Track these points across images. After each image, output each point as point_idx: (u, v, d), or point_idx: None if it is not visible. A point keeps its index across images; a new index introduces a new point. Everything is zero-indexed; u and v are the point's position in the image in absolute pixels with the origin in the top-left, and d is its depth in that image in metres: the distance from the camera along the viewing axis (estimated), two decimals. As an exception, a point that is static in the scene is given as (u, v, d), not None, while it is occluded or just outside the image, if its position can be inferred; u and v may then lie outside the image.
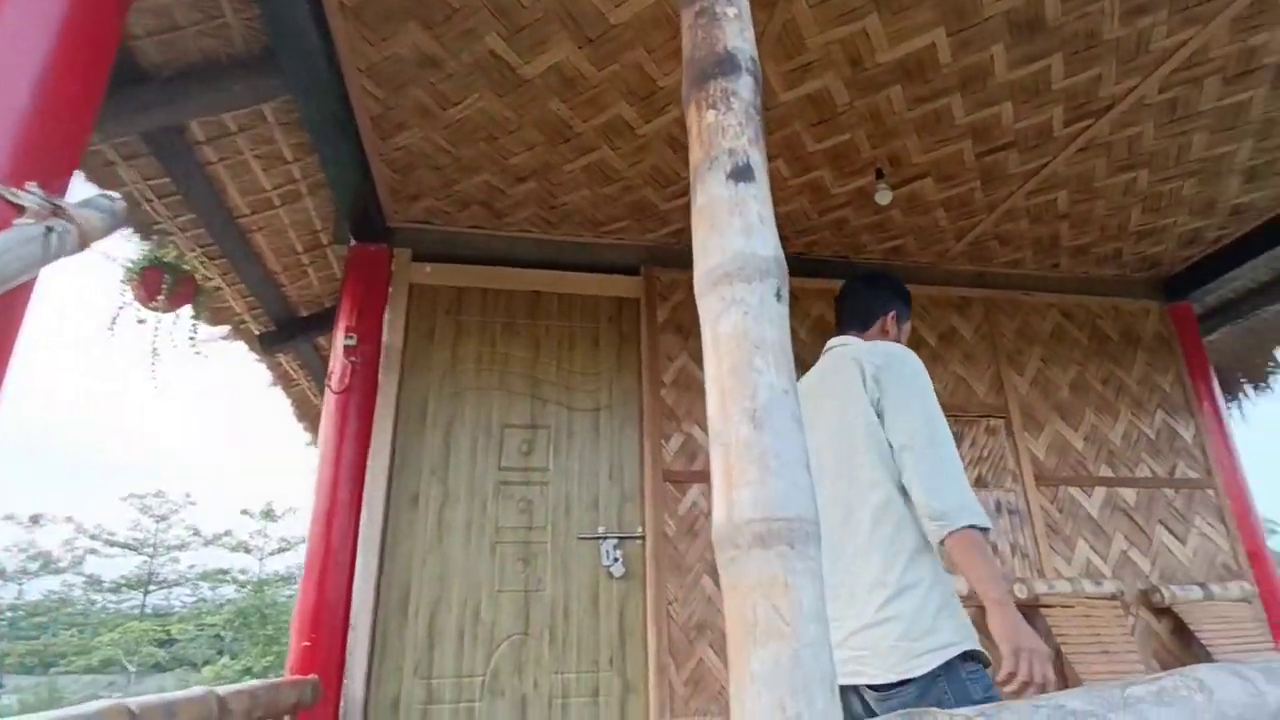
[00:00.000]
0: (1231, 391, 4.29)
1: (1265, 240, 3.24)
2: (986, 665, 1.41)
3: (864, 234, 3.26)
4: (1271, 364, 4.08)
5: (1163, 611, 3.07)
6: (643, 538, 2.91)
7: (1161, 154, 2.75)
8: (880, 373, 1.56)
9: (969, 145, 2.68)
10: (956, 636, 1.38)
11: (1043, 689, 1.28)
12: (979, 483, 3.19)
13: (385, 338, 2.94)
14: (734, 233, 0.92)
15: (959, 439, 3.27)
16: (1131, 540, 3.24)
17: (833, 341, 1.76)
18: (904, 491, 1.48)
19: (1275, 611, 3.17)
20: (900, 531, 1.46)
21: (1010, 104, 2.48)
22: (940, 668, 1.36)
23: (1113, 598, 2.93)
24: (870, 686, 1.43)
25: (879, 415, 1.54)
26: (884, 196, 2.73)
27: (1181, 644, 3.06)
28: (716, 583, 2.83)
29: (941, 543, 1.39)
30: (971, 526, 1.37)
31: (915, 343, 3.41)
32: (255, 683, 1.85)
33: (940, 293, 3.53)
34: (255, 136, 2.61)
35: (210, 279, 3.22)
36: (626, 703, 2.70)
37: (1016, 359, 3.48)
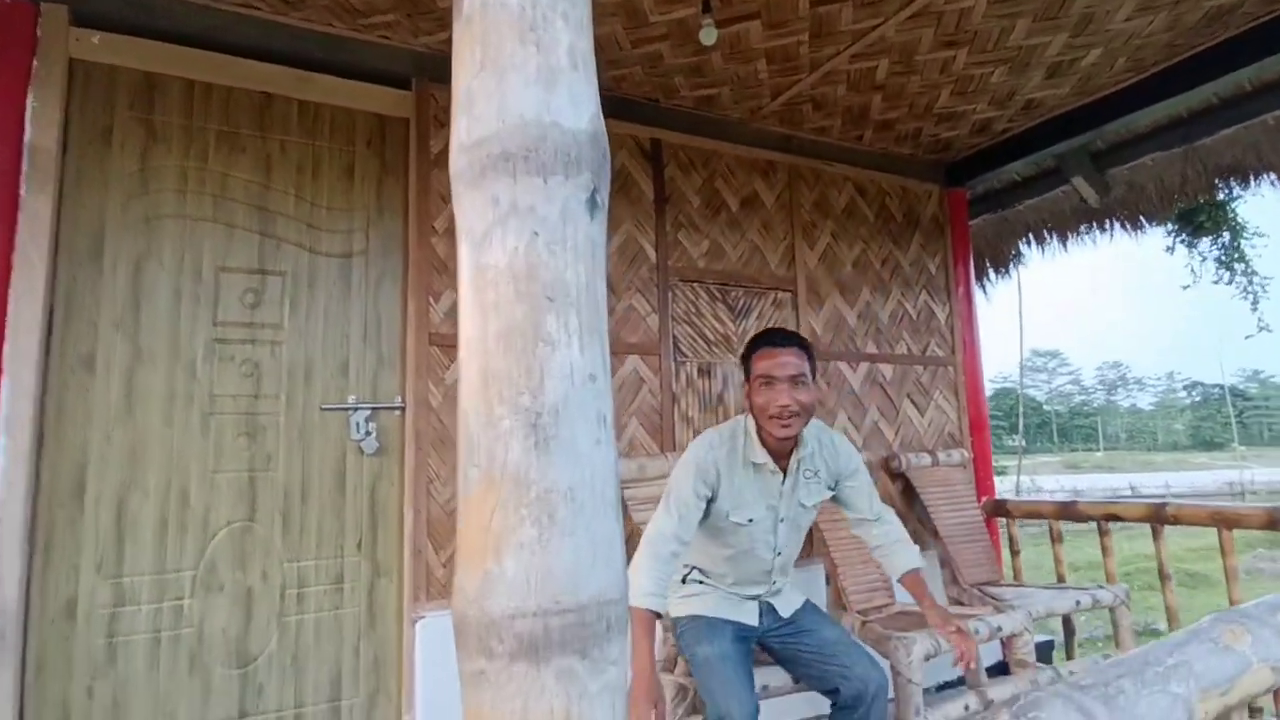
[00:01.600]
0: (979, 275, 4.70)
1: (1043, 138, 3.36)
2: None
3: (679, 76, 2.86)
4: (1014, 253, 4.49)
5: (897, 475, 3.38)
6: (402, 409, 2.53)
7: (984, 35, 2.62)
8: None
9: (805, -13, 2.34)
10: None
11: None
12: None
13: (29, 135, 2.09)
14: (525, 79, 0.53)
15: (748, 311, 3.20)
16: (883, 412, 3.48)
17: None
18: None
19: (982, 471, 3.64)
20: None
21: (856, -56, 2.14)
22: None
23: (862, 469, 3.14)
24: None
25: None
26: (709, 35, 2.33)
27: (907, 502, 3.42)
28: (485, 457, 2.57)
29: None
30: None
31: (718, 206, 3.19)
32: None
33: (748, 153, 3.29)
34: None
35: None
36: (375, 588, 2.44)
37: (810, 232, 3.42)
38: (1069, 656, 3.19)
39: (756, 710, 1.71)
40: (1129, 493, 25.87)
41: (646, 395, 2.91)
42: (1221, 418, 59.31)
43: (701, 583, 2.07)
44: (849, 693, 1.85)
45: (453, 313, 2.60)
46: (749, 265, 3.23)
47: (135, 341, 2.20)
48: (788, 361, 1.82)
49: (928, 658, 2.30)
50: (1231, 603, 2.73)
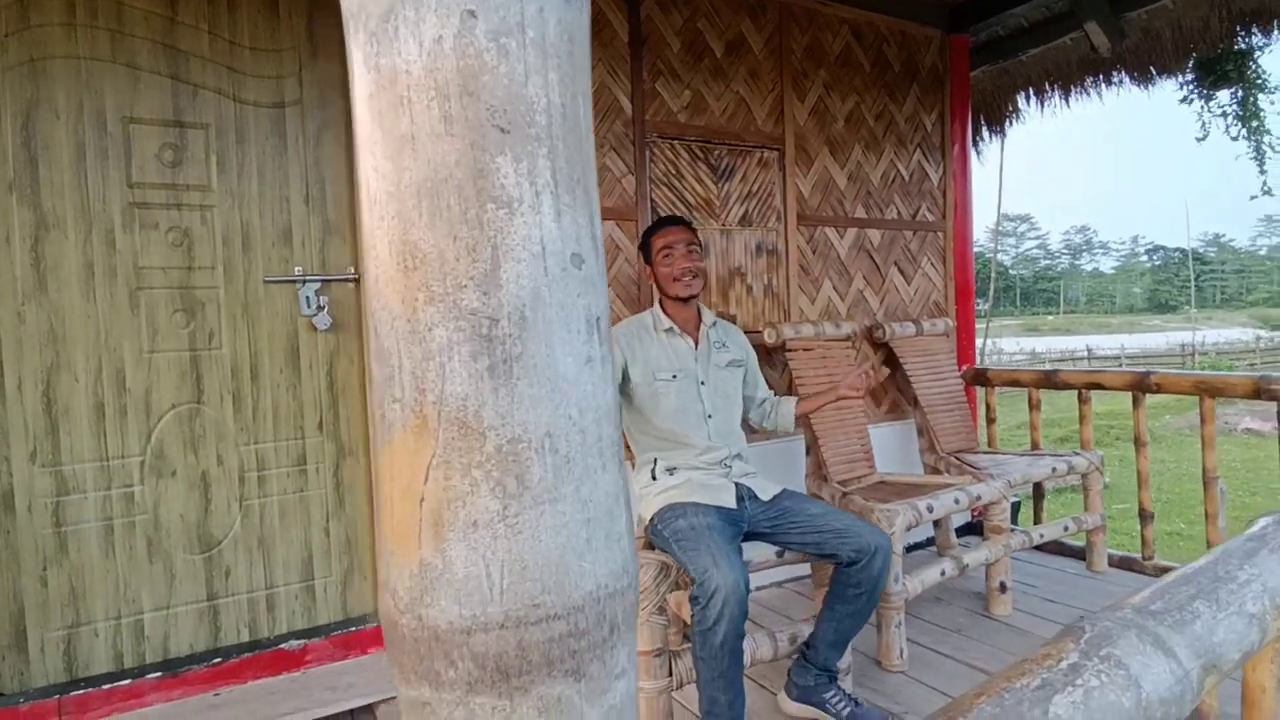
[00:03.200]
0: (973, 134, 4.42)
1: (1061, -28, 3.01)
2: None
3: (657, -113, 2.44)
4: (1012, 108, 4.20)
5: (880, 345, 3.29)
6: (356, 280, 2.31)
7: None
8: None
9: None
10: None
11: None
12: (745, 220, 2.96)
13: None
14: None
15: (731, 173, 2.95)
16: (868, 280, 3.34)
17: None
18: None
19: (964, 340, 3.57)
20: None
21: None
22: None
23: (846, 339, 3.04)
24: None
25: None
26: None
27: (889, 372, 3.35)
28: (451, 332, 2.40)
29: None
30: None
31: (700, 51, 2.86)
32: None
33: (735, -13, 2.91)
34: None
35: None
36: (341, 468, 2.33)
37: (801, 83, 3.11)
38: (1036, 520, 3.27)
39: (747, 577, 1.67)
40: (1084, 354, 26.75)
41: (623, 265, 2.72)
42: (1179, 281, 60.78)
43: (671, 472, 2.03)
44: (849, 552, 1.83)
45: (406, 172, 2.33)
46: (734, 120, 2.94)
47: (37, 206, 1.92)
48: (680, 236, 2.12)
49: (909, 528, 2.29)
50: (1205, 470, 2.76)
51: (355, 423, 2.34)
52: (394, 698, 2.07)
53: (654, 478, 2.05)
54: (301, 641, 2.20)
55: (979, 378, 3.50)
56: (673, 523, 1.85)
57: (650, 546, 2.04)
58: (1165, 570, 2.89)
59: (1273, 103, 2.93)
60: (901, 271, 3.44)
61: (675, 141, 2.81)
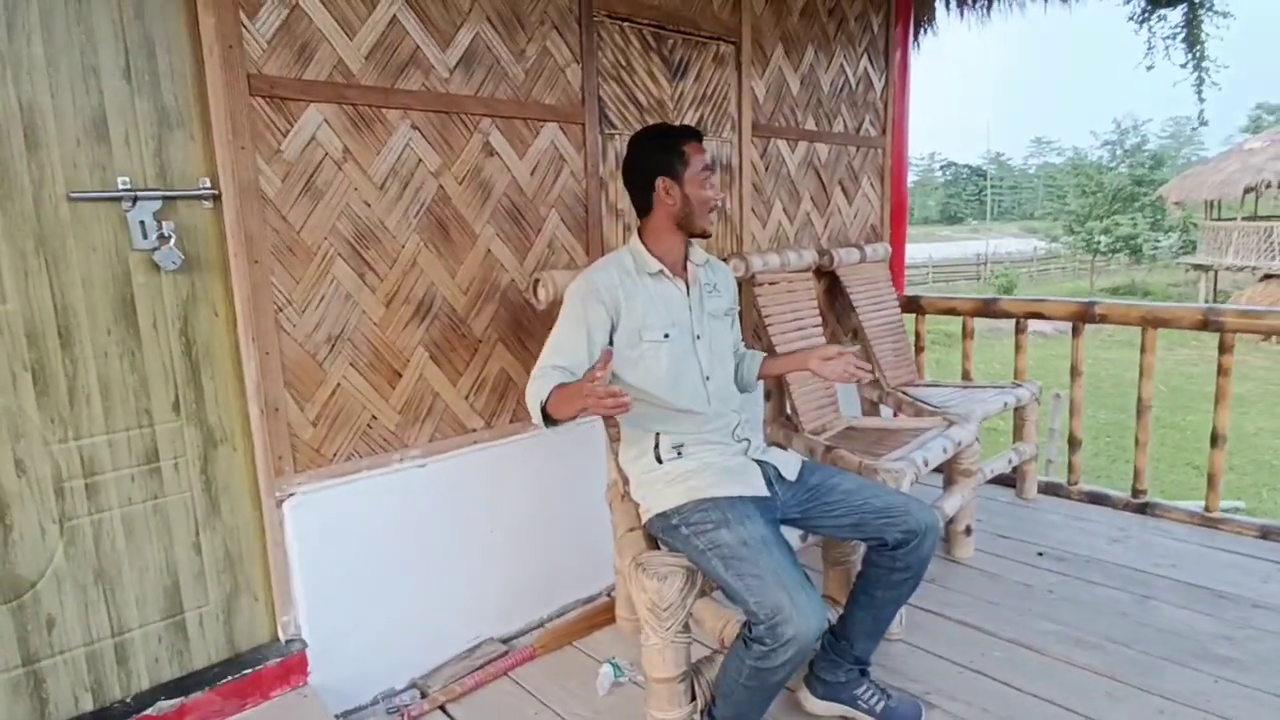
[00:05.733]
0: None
1: None
2: None
3: None
4: (928, 17, 3.97)
5: (824, 273, 3.03)
6: (216, 197, 1.61)
7: None
8: None
9: None
10: None
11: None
12: (700, 125, 2.50)
13: None
14: None
15: (686, 69, 2.44)
16: (815, 202, 3.03)
17: None
18: None
19: (897, 266, 3.40)
20: None
21: None
22: None
23: (808, 269, 2.73)
24: None
25: None
26: None
27: (829, 300, 3.12)
28: (356, 269, 1.78)
29: None
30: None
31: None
32: None
33: None
34: None
35: None
36: (211, 463, 1.69)
37: (759, -40, 2.62)
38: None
39: (825, 616, 1.35)
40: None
41: (569, 179, 2.18)
42: (966, 195, 67.58)
43: (680, 452, 1.64)
44: (897, 534, 1.56)
45: (284, 39, 1.62)
46: (690, 3, 2.41)
47: None
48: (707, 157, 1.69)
49: (912, 484, 2.08)
50: (1141, 399, 2.81)
51: (228, 400, 1.69)
52: (324, 760, 1.57)
53: (659, 460, 1.64)
54: (175, 700, 1.61)
55: (912, 305, 3.37)
56: (709, 531, 1.47)
57: (654, 544, 1.65)
58: (1092, 496, 2.98)
59: (1218, 27, 2.89)
60: (845, 191, 3.16)
61: (626, 24, 2.26)
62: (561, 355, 1.55)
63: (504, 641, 2.12)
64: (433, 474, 1.96)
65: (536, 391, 1.51)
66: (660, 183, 1.65)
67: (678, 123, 2.38)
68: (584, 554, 2.29)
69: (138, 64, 1.51)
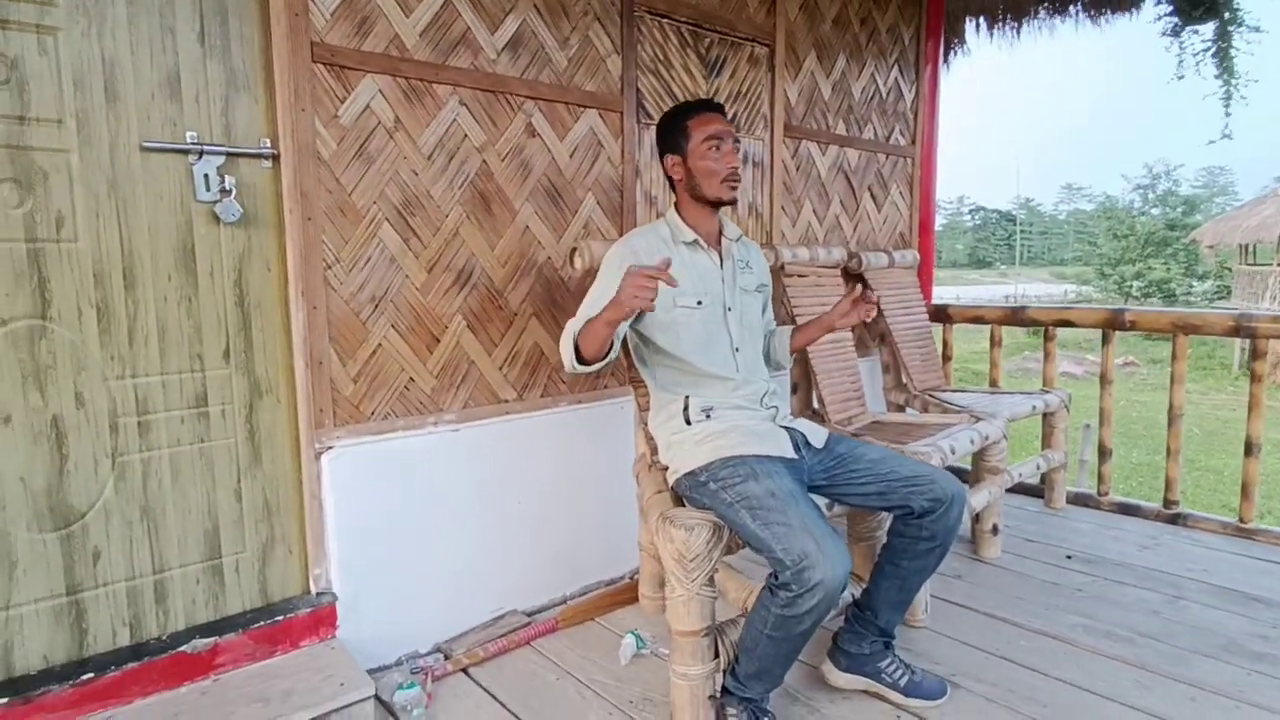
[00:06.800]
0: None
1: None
2: None
3: None
4: (958, 39, 4.05)
5: (855, 277, 3.06)
6: (275, 156, 1.70)
7: None
8: None
9: None
10: None
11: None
12: (734, 122, 2.57)
13: None
14: None
15: (721, 67, 2.53)
16: (844, 205, 3.08)
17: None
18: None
19: (925, 275, 3.42)
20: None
21: None
22: None
23: (836, 265, 2.77)
24: None
25: None
26: None
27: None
28: (402, 234, 1.86)
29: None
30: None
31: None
32: None
33: None
34: None
35: None
36: (256, 412, 1.75)
37: (794, -32, 2.72)
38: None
39: (851, 562, 1.36)
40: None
41: (605, 164, 2.25)
42: (995, 239, 67.29)
43: (708, 415, 1.66)
44: (924, 501, 1.57)
45: (347, 12, 1.72)
46: (727, 4, 2.51)
47: None
48: (727, 127, 1.71)
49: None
50: (1172, 406, 2.78)
51: (275, 352, 1.76)
52: (350, 704, 1.59)
53: (688, 422, 1.67)
54: (209, 640, 1.65)
55: (940, 314, 3.39)
56: (737, 484, 1.49)
57: (681, 504, 1.68)
58: (1123, 506, 2.93)
59: (1248, 42, 2.93)
60: (874, 198, 3.21)
61: (665, 20, 2.35)
62: (597, 309, 1.60)
63: (527, 615, 2.13)
64: (465, 440, 2.00)
65: (571, 329, 1.58)
66: (668, 160, 1.74)
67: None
68: (608, 536, 2.31)
69: (211, 28, 1.61)
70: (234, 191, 1.64)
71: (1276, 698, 1.69)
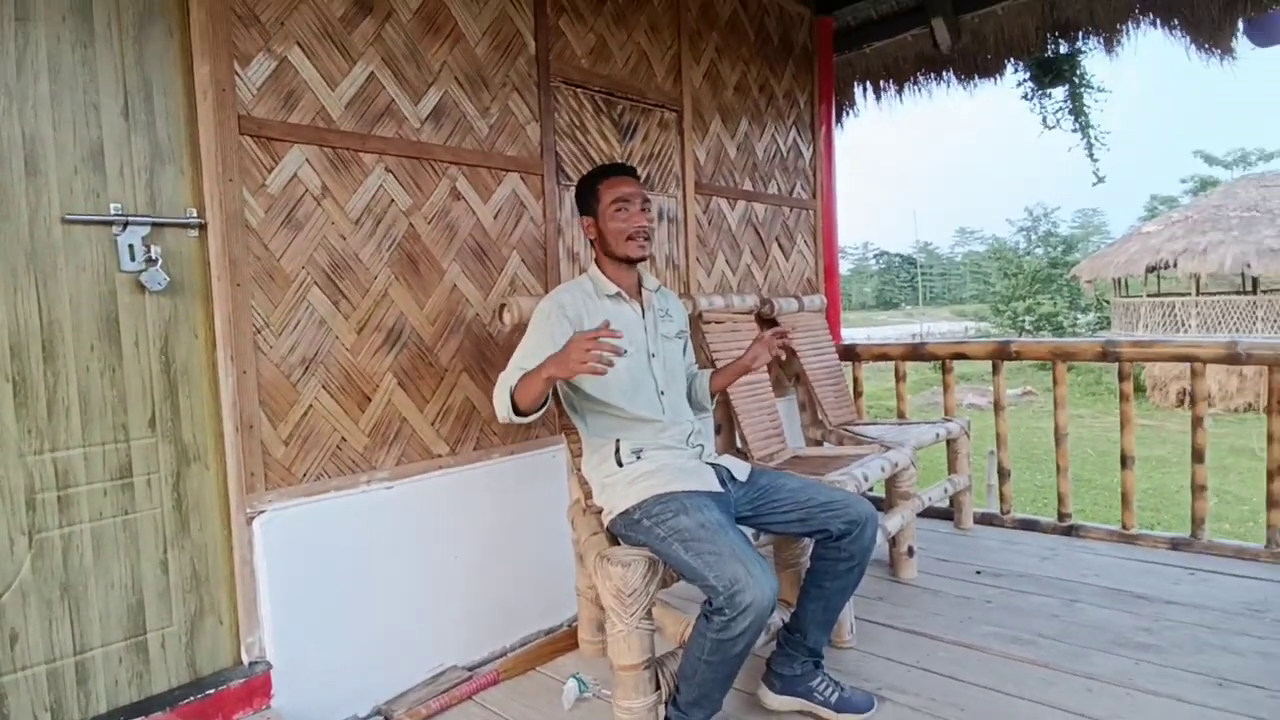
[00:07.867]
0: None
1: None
2: None
3: None
4: (849, 101, 4.43)
5: (768, 321, 3.25)
6: (202, 225, 1.73)
7: None
8: None
9: None
10: None
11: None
12: (647, 183, 2.74)
13: None
14: None
15: (634, 131, 2.71)
16: (755, 255, 3.29)
17: None
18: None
19: (832, 317, 3.65)
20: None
21: None
22: None
23: (750, 311, 2.95)
24: None
25: None
26: None
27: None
28: (331, 296, 1.90)
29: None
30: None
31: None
32: None
33: (634, -71, 2.68)
34: None
35: None
36: (184, 479, 1.73)
37: (696, 44, 2.95)
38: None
39: (778, 585, 1.46)
40: (838, 344, 30.06)
41: (529, 224, 2.36)
42: (899, 282, 70.96)
43: (639, 456, 1.76)
44: (840, 524, 1.70)
45: (273, 87, 1.79)
46: (636, 74, 2.70)
47: None
48: (636, 189, 1.85)
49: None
50: (1058, 427, 3.06)
51: (203, 419, 1.75)
52: (289, 774, 1.56)
53: (620, 464, 1.76)
54: (135, 720, 1.59)
55: (849, 353, 3.62)
56: (670, 519, 1.58)
57: (615, 541, 1.75)
58: (1023, 523, 3.17)
59: (1096, 100, 3.35)
60: (782, 248, 3.44)
61: (579, 89, 2.51)
62: (530, 361, 1.68)
63: (468, 670, 2.13)
64: (399, 496, 2.02)
65: (506, 381, 1.66)
66: (584, 221, 1.90)
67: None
68: (546, 585, 2.34)
69: (135, 104, 1.65)
70: (160, 260, 1.66)
71: (1161, 683, 1.87)
